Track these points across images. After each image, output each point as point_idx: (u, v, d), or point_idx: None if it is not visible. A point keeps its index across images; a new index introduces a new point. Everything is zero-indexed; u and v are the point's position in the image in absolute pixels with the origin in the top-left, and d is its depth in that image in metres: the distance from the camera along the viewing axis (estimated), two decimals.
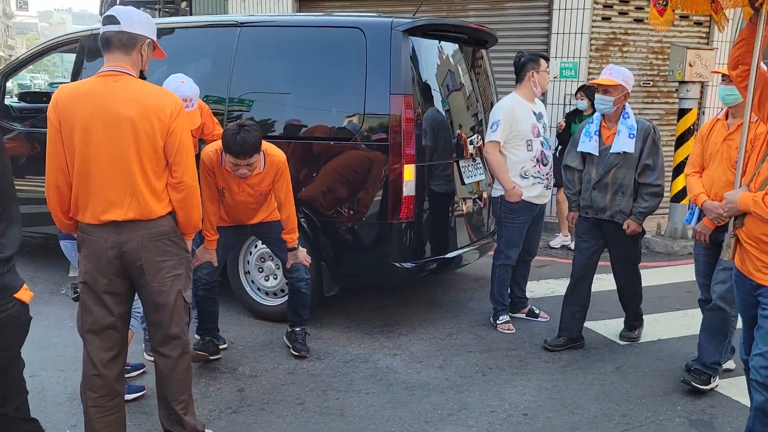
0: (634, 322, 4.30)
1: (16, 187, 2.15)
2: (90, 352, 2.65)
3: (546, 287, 5.41)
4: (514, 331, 4.38)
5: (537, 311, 4.66)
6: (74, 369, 3.64)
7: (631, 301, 4.23)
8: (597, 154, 3.93)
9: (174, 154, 2.52)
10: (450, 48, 4.75)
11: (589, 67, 7.41)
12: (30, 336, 4.11)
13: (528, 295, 4.77)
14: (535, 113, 4.29)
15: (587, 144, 3.96)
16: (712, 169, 3.48)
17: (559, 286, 5.36)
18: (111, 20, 2.51)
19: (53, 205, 2.60)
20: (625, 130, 3.84)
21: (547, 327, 4.47)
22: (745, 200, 2.51)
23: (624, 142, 3.83)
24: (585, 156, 4.00)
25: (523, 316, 4.65)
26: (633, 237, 3.97)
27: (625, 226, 3.90)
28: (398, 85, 4.04)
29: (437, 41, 4.56)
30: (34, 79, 30.73)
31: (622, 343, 4.23)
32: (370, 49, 4.11)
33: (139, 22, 2.54)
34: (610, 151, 3.86)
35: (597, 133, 3.95)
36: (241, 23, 4.63)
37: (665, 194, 4.32)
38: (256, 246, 4.45)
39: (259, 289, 4.52)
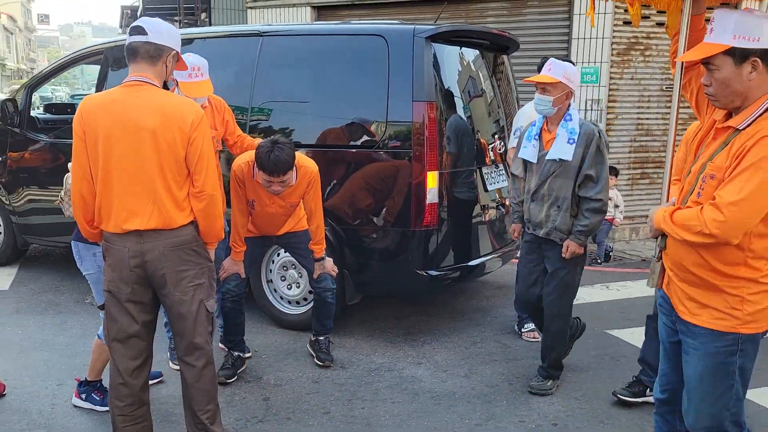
0: (549, 370, 3.61)
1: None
2: (116, 361, 2.66)
3: None
4: (540, 339, 4.32)
5: None
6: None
7: (552, 346, 3.57)
8: (535, 161, 3.48)
9: (195, 163, 2.53)
10: (472, 54, 4.72)
11: (611, 72, 7.34)
12: (56, 345, 4.21)
13: None
14: None
15: (526, 150, 3.53)
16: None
17: (583, 293, 5.29)
18: (138, 31, 2.52)
19: (78, 214, 2.63)
20: (564, 135, 3.36)
21: None
22: (657, 217, 2.14)
23: (561, 148, 3.34)
24: (526, 163, 3.59)
25: None
26: (572, 262, 3.44)
27: (563, 248, 3.40)
28: (421, 92, 4.02)
29: (459, 47, 4.55)
30: (55, 91, 31.20)
31: None
32: (393, 57, 4.10)
33: (168, 34, 2.56)
34: (546, 157, 3.41)
35: (537, 137, 3.50)
36: (263, 33, 4.65)
37: None
38: (278, 255, 4.45)
39: (281, 298, 4.51)
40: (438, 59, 4.26)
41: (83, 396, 3.35)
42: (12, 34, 56.31)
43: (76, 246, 3.14)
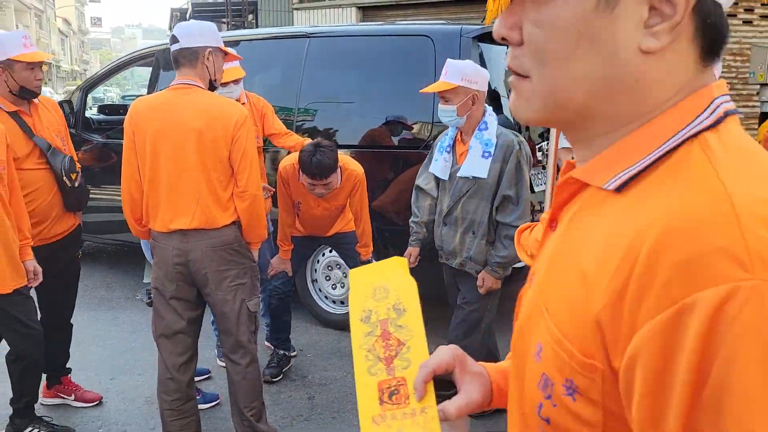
0: None
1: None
2: (163, 356, 2.74)
3: None
4: None
5: None
6: (151, 373, 3.73)
7: None
8: (446, 178, 2.96)
9: (238, 162, 2.57)
10: None
11: None
12: (107, 340, 4.32)
13: None
14: None
15: (436, 164, 3.02)
16: None
17: None
18: (173, 40, 2.61)
19: (127, 212, 2.70)
20: (478, 147, 2.82)
21: None
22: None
23: (474, 164, 2.82)
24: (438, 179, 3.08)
25: None
26: (485, 298, 2.96)
27: (479, 282, 2.91)
28: None
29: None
30: (107, 92, 32.13)
31: None
32: (439, 57, 4.08)
33: (199, 34, 2.60)
34: (458, 174, 2.90)
35: (450, 149, 2.97)
36: (310, 34, 4.69)
37: None
38: (323, 254, 4.48)
39: (326, 297, 4.54)
40: (485, 59, 4.22)
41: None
42: (66, 36, 58.27)
43: (144, 243, 3.25)
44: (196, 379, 3.56)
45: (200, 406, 3.30)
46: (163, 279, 2.66)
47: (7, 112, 2.98)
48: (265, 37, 5.13)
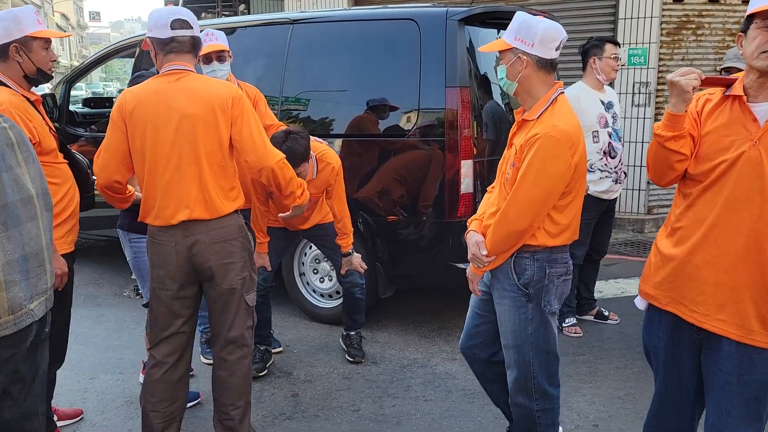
0: None
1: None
2: (154, 355, 2.63)
3: (615, 287, 5.10)
4: (581, 334, 4.13)
5: (606, 313, 4.38)
6: (132, 372, 3.65)
7: None
8: None
9: (242, 142, 2.50)
10: None
11: (660, 53, 6.99)
12: (91, 338, 4.22)
13: (596, 295, 4.49)
14: (603, 102, 4.01)
15: None
16: None
17: (629, 286, 5.06)
18: (183, 25, 2.49)
19: (112, 200, 2.63)
20: None
21: (618, 330, 4.20)
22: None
23: None
24: None
25: (592, 318, 4.39)
26: None
27: None
28: (454, 77, 3.86)
29: (496, 30, 4.35)
30: (106, 86, 32.04)
31: None
32: (425, 41, 3.95)
33: (198, 25, 2.59)
34: None
35: None
36: (294, 20, 4.55)
37: None
38: (310, 247, 4.36)
39: (314, 291, 4.43)
40: (473, 43, 4.08)
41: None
42: (65, 31, 57.95)
43: (119, 233, 3.17)
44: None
45: None
46: (163, 278, 2.55)
47: (30, 102, 2.58)
48: (248, 25, 4.99)
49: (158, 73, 2.55)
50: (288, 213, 3.11)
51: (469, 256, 2.38)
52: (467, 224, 2.48)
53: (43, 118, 2.61)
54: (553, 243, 2.29)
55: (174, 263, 2.51)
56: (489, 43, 2.38)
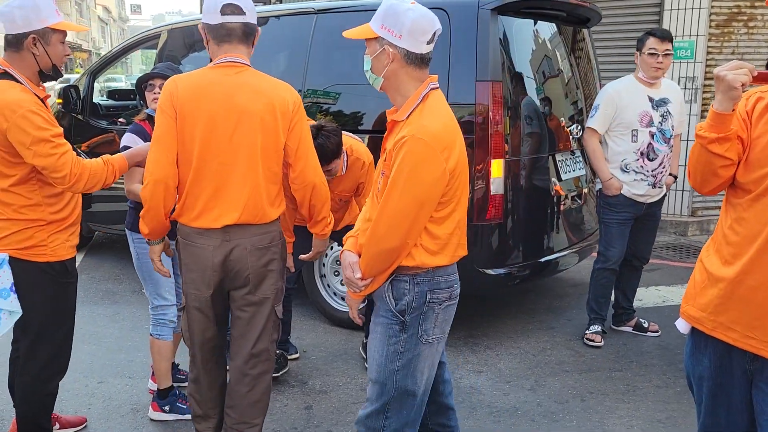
0: None
1: None
2: (197, 363, 2.52)
3: (656, 295, 4.79)
4: (601, 345, 3.85)
5: (645, 324, 4.09)
6: (142, 376, 3.51)
7: None
8: None
9: (296, 149, 2.36)
10: (546, 28, 4.24)
11: (708, 47, 6.59)
12: (105, 338, 4.09)
13: (635, 304, 4.20)
14: (653, 99, 3.70)
15: None
16: None
17: (671, 295, 4.74)
18: (235, 10, 2.27)
19: (157, 203, 2.29)
20: None
21: (658, 343, 3.91)
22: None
23: None
24: None
25: (630, 329, 4.10)
26: None
27: None
28: (485, 71, 3.61)
29: (532, 20, 4.08)
30: (129, 79, 32.29)
31: None
32: (455, 32, 3.70)
33: (255, 12, 2.36)
34: None
35: None
36: (318, 10, 4.35)
37: None
38: (332, 248, 4.17)
39: (334, 294, 4.24)
40: (507, 34, 3.82)
41: (167, 408, 3.06)
42: (107, 24, 59.21)
43: (131, 237, 3.02)
44: (180, 385, 3.31)
45: (179, 418, 3.05)
46: (198, 282, 2.37)
47: (41, 100, 2.38)
48: (272, 15, 4.81)
49: (210, 62, 2.33)
50: (310, 254, 2.92)
51: (344, 279, 2.06)
52: (342, 242, 2.15)
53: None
54: (435, 262, 1.98)
55: (210, 268, 2.33)
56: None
